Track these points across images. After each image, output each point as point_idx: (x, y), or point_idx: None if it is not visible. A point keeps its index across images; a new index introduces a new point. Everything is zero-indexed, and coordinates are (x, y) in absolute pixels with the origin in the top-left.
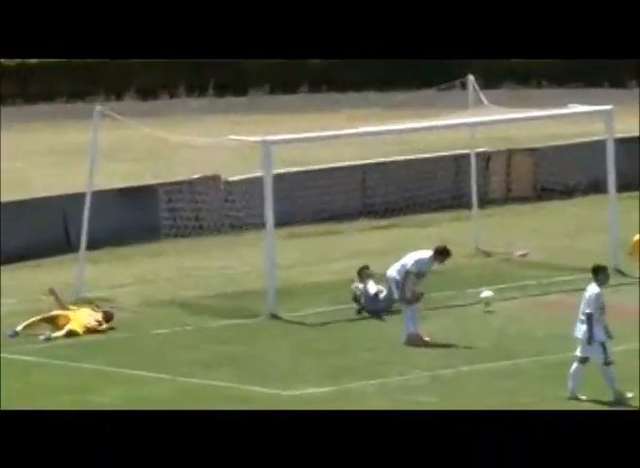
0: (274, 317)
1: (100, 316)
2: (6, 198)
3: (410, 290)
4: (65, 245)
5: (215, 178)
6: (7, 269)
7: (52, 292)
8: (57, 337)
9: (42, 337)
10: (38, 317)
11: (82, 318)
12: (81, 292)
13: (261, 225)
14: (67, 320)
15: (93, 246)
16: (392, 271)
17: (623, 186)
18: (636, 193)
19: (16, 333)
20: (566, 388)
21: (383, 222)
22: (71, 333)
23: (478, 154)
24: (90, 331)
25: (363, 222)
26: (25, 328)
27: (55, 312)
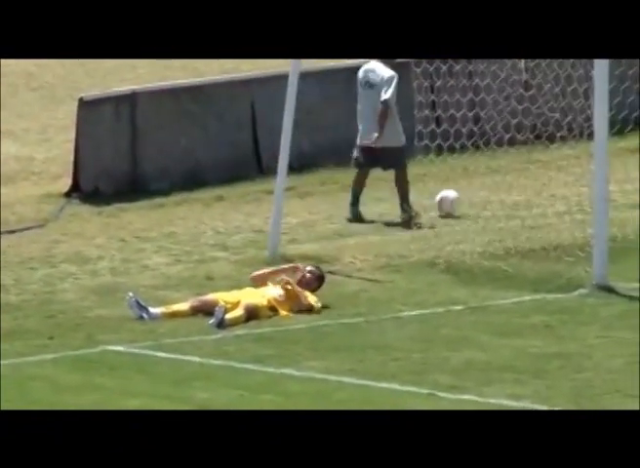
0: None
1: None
2: None
3: None
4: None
5: None
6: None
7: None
8: (234, 320)
9: (212, 321)
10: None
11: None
12: (277, 245)
13: None
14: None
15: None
16: None
17: None
18: None
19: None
20: None
21: None
22: (253, 313)
23: None
24: (281, 304)
25: None
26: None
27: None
